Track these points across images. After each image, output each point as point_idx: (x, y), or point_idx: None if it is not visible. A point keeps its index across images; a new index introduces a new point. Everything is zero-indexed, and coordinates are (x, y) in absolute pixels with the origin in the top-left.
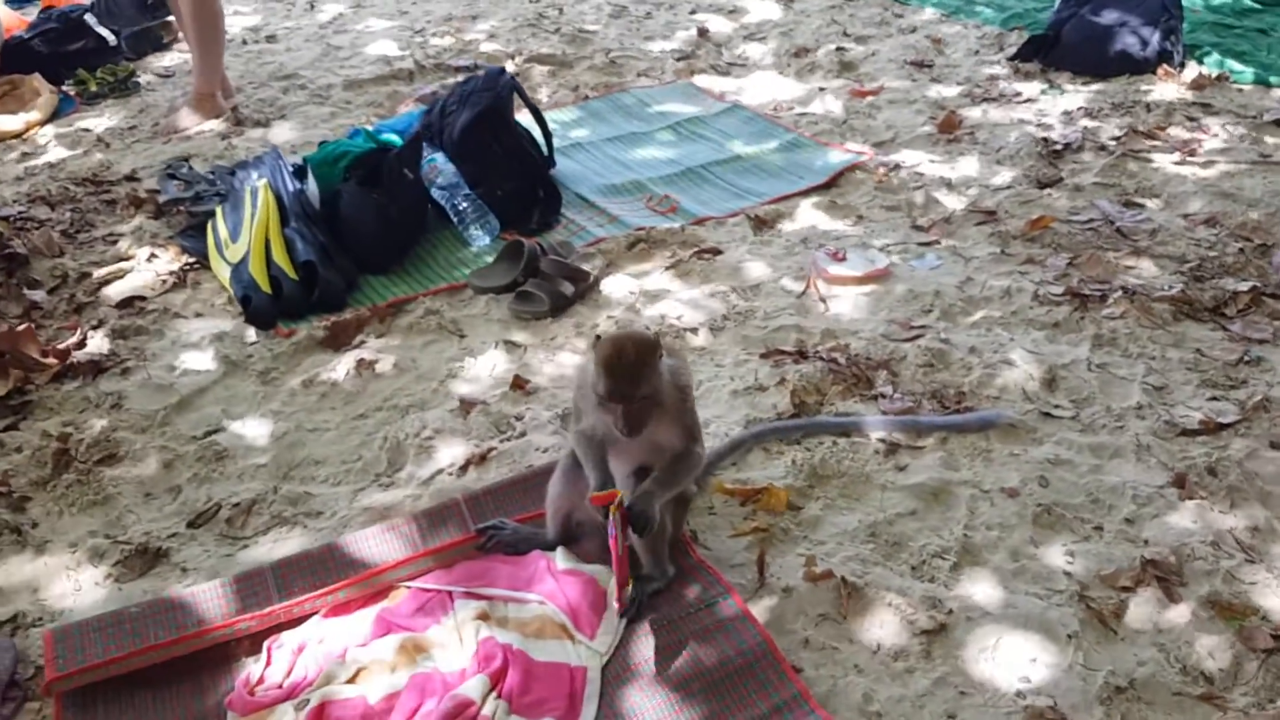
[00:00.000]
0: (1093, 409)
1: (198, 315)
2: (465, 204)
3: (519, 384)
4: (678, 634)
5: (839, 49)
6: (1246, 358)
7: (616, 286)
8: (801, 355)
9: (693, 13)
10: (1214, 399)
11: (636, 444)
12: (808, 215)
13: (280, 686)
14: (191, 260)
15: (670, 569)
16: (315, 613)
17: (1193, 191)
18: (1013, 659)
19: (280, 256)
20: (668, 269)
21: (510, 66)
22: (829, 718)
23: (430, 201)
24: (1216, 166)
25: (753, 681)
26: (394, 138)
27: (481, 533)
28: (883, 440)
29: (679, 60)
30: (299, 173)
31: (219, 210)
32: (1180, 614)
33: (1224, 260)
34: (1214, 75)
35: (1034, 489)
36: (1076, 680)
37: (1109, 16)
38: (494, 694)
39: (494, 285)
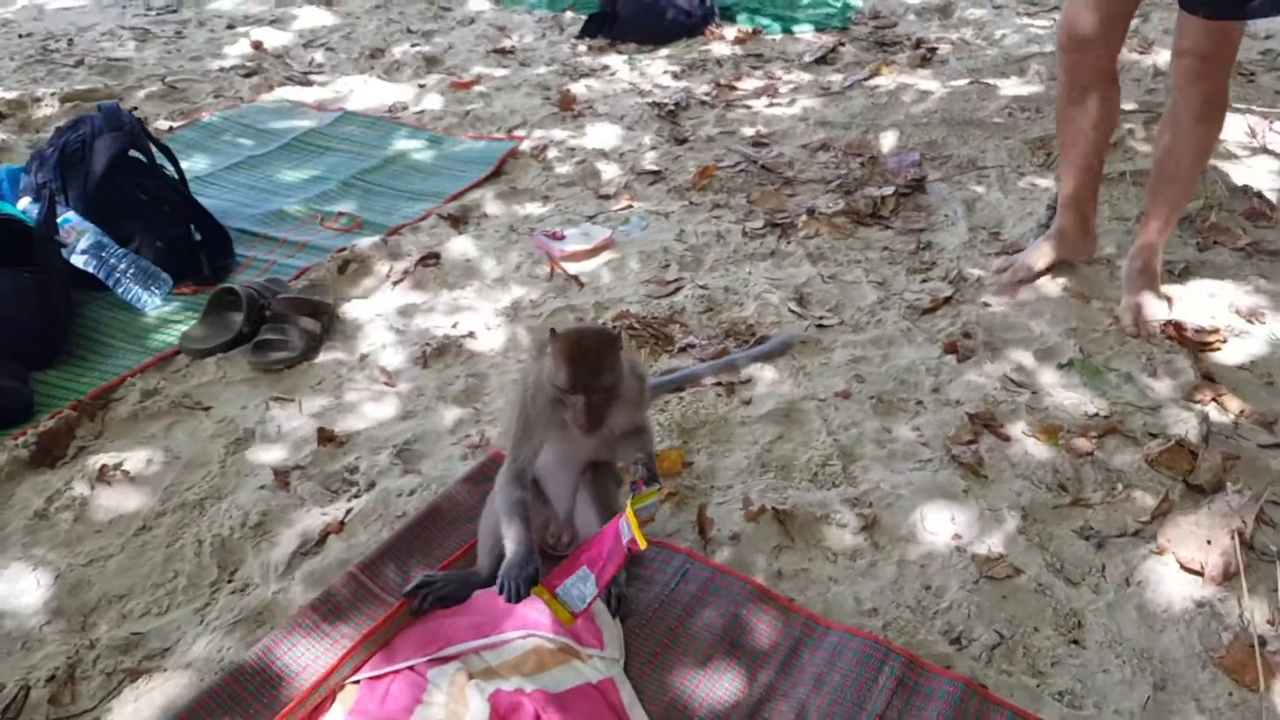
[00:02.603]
0: (849, 312)
1: None
2: (123, 265)
3: (328, 437)
4: (673, 613)
5: (414, 45)
6: (922, 245)
7: (358, 312)
8: None
9: (230, 27)
10: (924, 281)
11: (590, 441)
12: (496, 205)
13: None
14: None
15: None
16: None
17: (795, 126)
18: (939, 524)
19: None
20: (398, 283)
21: (41, 111)
22: (846, 628)
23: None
24: (798, 103)
25: (764, 626)
26: (7, 206)
27: (412, 595)
28: (717, 384)
29: (248, 76)
30: None
31: None
32: (1017, 449)
33: (855, 175)
34: (750, 30)
35: (857, 386)
36: (991, 523)
37: None
38: None
39: (217, 343)
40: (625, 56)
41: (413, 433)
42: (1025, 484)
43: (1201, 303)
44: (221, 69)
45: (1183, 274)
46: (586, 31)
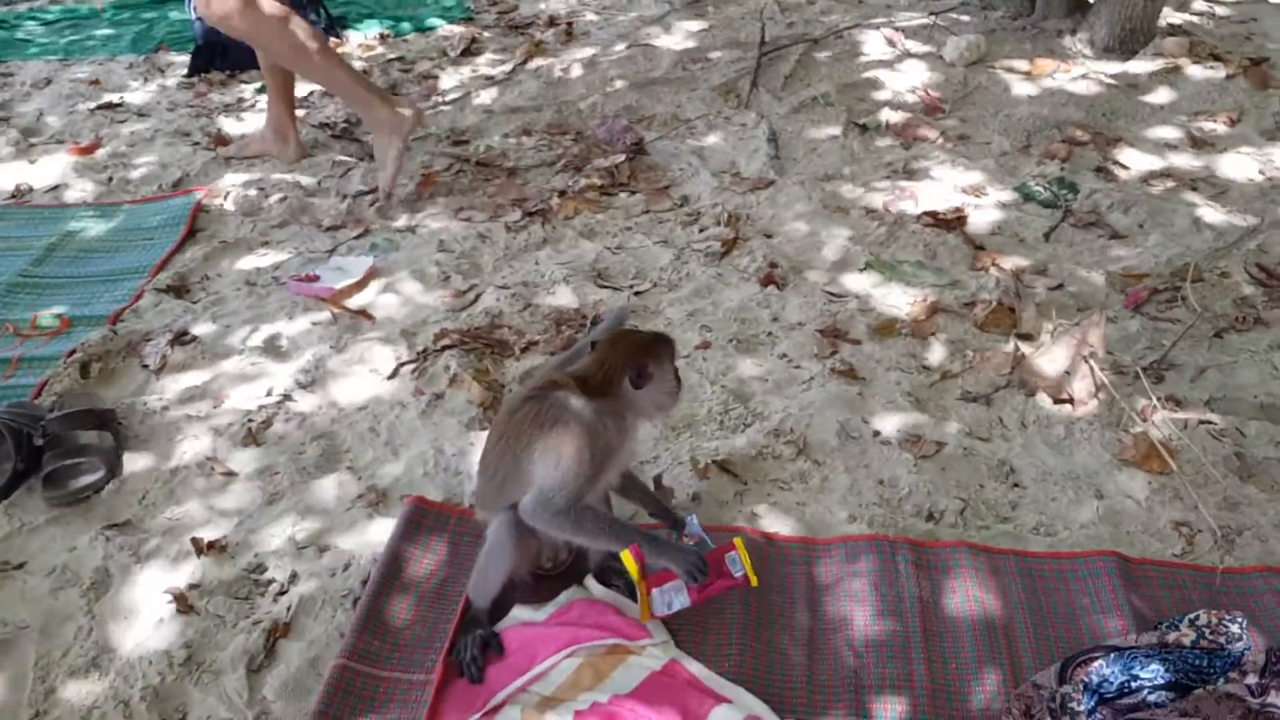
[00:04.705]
0: (655, 273)
1: None
2: None
3: (207, 546)
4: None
5: None
6: (677, 200)
7: (140, 413)
8: (423, 356)
9: None
10: (702, 230)
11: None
12: (213, 264)
13: None
14: None
15: None
16: None
17: (483, 120)
18: (858, 428)
19: None
20: (160, 370)
21: None
22: (844, 538)
23: None
24: (472, 98)
25: (775, 564)
26: None
27: (458, 664)
28: None
29: None
30: None
31: None
32: (870, 349)
33: (573, 152)
34: (380, 35)
35: (710, 335)
36: (895, 412)
37: None
38: None
39: None
40: (257, 85)
41: (295, 512)
42: (898, 374)
43: (932, 191)
44: None
45: (906, 171)
46: (197, 68)
